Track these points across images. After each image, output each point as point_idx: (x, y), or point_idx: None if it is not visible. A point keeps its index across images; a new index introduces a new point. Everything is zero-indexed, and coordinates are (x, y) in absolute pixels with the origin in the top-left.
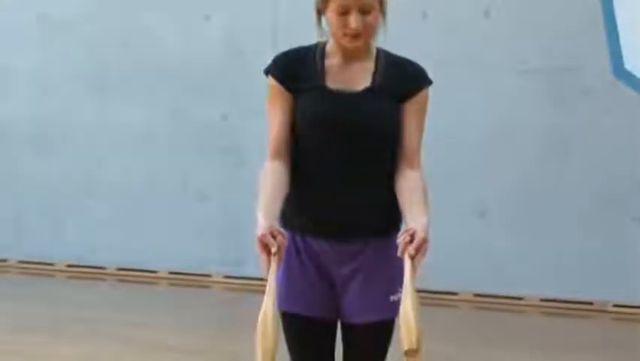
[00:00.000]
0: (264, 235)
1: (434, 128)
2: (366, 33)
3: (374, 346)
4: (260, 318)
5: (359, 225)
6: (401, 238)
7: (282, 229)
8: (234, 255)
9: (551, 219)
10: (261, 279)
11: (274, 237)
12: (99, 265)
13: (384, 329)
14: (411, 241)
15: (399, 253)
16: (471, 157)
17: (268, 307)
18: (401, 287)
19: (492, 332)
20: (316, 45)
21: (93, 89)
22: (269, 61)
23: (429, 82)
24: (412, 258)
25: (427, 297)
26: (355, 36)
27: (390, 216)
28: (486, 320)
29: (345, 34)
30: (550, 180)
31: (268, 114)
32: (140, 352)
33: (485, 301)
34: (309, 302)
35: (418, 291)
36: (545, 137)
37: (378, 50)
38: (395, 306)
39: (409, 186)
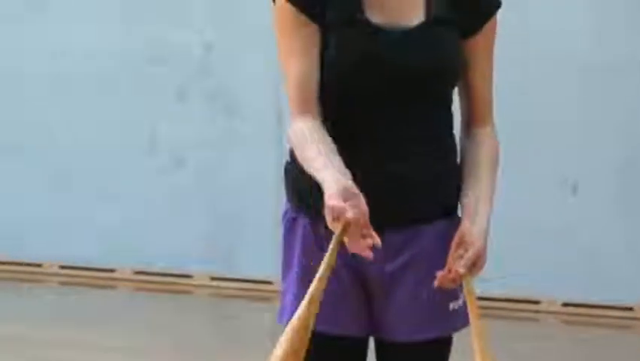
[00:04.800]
0: (330, 200)
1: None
2: None
3: None
4: (295, 317)
5: (411, 205)
6: (453, 253)
7: (352, 187)
8: (225, 247)
9: None
10: (263, 281)
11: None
12: (34, 262)
13: (440, 349)
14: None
15: (446, 273)
16: (557, 107)
17: (308, 305)
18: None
19: None
20: None
21: (19, 3)
22: None
23: (499, 2)
24: (462, 276)
25: (490, 306)
26: None
27: (454, 191)
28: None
29: None
30: None
31: (282, 55)
32: None
33: (578, 313)
34: (337, 315)
35: (478, 299)
36: None
37: None
38: (456, 316)
39: (472, 154)
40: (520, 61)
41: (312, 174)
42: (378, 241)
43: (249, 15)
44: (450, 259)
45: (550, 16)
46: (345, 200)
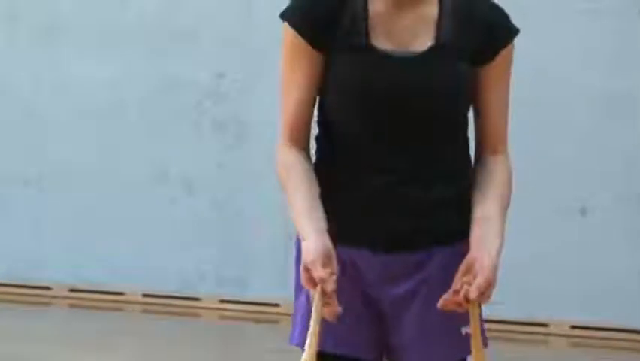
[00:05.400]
0: (312, 265)
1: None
2: None
3: None
4: None
5: (420, 228)
6: (460, 278)
7: (332, 251)
8: (234, 270)
9: None
10: (271, 304)
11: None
12: (43, 285)
13: None
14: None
15: (450, 295)
16: (566, 135)
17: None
18: None
19: None
20: None
21: (36, 36)
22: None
23: (515, 31)
24: (469, 302)
25: (499, 329)
26: None
27: (464, 215)
28: None
29: None
30: None
31: (284, 79)
32: None
33: (584, 336)
34: (351, 338)
35: (487, 321)
36: None
37: None
38: (468, 341)
39: (484, 181)
40: (531, 90)
41: (292, 217)
42: (339, 309)
43: (259, 44)
44: (455, 282)
45: (561, 48)
46: (324, 266)
